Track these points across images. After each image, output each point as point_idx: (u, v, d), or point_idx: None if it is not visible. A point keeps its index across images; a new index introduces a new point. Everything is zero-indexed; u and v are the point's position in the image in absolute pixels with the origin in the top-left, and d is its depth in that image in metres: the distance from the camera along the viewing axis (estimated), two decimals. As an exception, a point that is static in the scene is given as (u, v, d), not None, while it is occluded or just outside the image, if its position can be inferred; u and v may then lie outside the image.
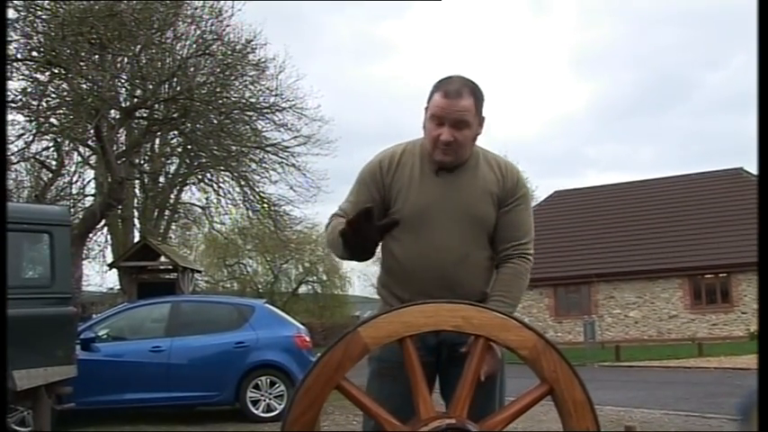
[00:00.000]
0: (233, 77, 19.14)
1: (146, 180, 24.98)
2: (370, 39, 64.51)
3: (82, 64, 16.26)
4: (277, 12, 41.76)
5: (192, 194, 26.43)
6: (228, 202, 23.37)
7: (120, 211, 22.59)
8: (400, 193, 2.77)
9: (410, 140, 2.90)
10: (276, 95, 20.36)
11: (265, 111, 20.45)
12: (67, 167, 21.07)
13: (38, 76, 16.93)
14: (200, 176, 23.74)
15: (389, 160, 2.82)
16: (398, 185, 2.77)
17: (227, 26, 18.94)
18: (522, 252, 2.81)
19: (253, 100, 20.00)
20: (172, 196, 26.96)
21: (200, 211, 26.16)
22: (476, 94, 2.78)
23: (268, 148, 21.60)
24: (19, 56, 16.23)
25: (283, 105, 20.65)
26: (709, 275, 27.57)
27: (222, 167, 21.77)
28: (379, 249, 2.87)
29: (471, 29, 71.80)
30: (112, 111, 18.34)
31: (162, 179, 25.74)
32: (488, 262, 2.83)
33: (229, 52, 18.87)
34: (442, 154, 2.73)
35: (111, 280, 29.96)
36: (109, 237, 24.86)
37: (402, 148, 2.86)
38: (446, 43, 65.75)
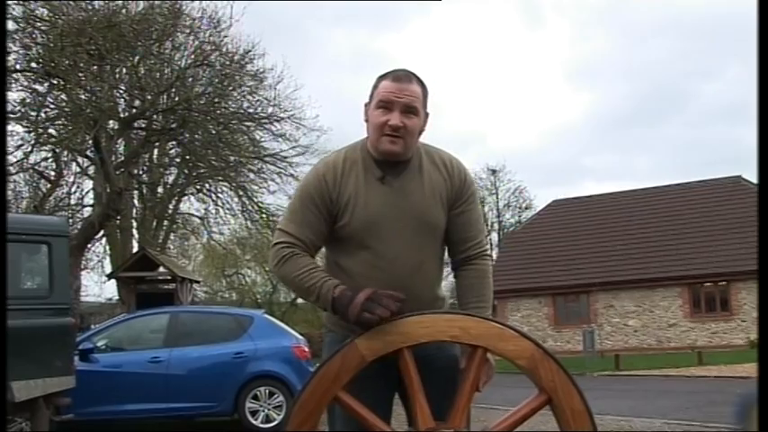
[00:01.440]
0: (231, 88, 19.16)
1: (144, 190, 25.01)
2: (368, 52, 64.68)
3: (80, 75, 16.30)
4: (275, 25, 41.78)
5: (190, 205, 26.48)
6: (227, 212, 23.36)
7: (118, 221, 22.58)
8: (347, 206, 2.60)
9: (348, 146, 2.75)
10: (274, 105, 20.35)
11: (263, 121, 20.44)
12: (66, 178, 21.10)
13: (37, 86, 16.98)
14: (198, 187, 23.74)
15: (333, 173, 2.63)
16: (345, 198, 2.61)
17: (226, 36, 18.99)
18: (483, 251, 2.76)
19: (251, 110, 20.00)
20: (170, 206, 26.97)
21: (198, 221, 26.17)
22: (423, 84, 2.70)
23: (266, 159, 21.58)
24: (18, 67, 16.26)
25: (281, 115, 20.64)
26: (708, 284, 27.56)
27: (221, 178, 21.77)
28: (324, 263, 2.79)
29: (468, 43, 72.04)
30: (111, 121, 18.36)
31: (160, 189, 25.75)
32: (439, 267, 2.78)
33: (227, 62, 18.91)
34: (389, 143, 2.59)
35: (110, 290, 30.10)
36: (107, 247, 24.88)
37: (342, 156, 2.69)
38: (443, 56, 65.91)
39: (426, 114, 2.71)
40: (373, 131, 2.64)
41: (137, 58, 17.38)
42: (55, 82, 16.56)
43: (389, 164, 2.64)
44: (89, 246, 20.93)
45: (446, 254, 2.83)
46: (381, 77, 2.68)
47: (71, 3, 16.37)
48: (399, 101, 2.59)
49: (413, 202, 2.63)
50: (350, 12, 66.82)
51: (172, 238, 29.87)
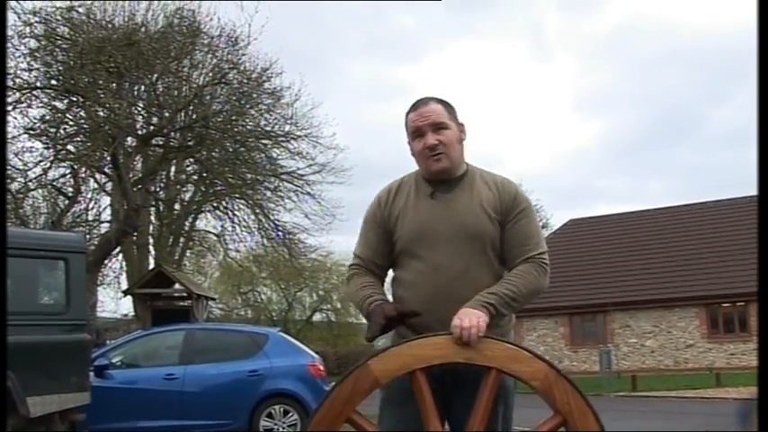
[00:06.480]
0: (248, 105, 19.27)
1: (161, 207, 25.09)
2: (386, 82, 65.02)
3: (99, 92, 16.46)
4: (294, 54, 41.85)
5: (207, 222, 26.51)
6: (243, 229, 23.39)
7: (135, 238, 22.67)
8: (399, 220, 2.85)
9: (408, 173, 3.00)
10: (291, 123, 20.46)
11: (280, 139, 20.52)
12: (84, 194, 21.17)
13: (56, 103, 17.14)
14: (215, 204, 23.80)
15: (387, 194, 2.93)
16: (396, 214, 2.86)
17: (243, 55, 19.13)
18: (535, 257, 2.77)
19: (268, 128, 20.09)
20: (187, 223, 27.04)
21: (214, 238, 26.21)
22: (443, 101, 2.92)
23: (283, 176, 21.63)
24: (38, 84, 16.44)
25: (298, 133, 20.74)
26: (726, 304, 27.28)
27: (237, 195, 21.83)
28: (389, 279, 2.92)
29: (482, 74, 72.33)
30: (129, 138, 18.50)
31: (177, 206, 25.82)
32: (491, 275, 2.78)
33: (245, 80, 19.03)
34: (434, 162, 2.81)
35: (126, 307, 30.10)
36: (124, 264, 24.95)
37: (399, 180, 2.97)
38: (459, 87, 66.13)
39: (460, 124, 2.92)
40: (419, 160, 2.88)
41: (155, 75, 17.54)
42: (74, 99, 16.72)
43: (442, 182, 2.84)
44: (106, 262, 21.01)
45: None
46: (407, 113, 2.91)
47: (92, 12, 16.56)
48: (426, 123, 2.82)
49: (458, 212, 2.79)
50: (368, 46, 67.15)
51: (188, 254, 29.92)
